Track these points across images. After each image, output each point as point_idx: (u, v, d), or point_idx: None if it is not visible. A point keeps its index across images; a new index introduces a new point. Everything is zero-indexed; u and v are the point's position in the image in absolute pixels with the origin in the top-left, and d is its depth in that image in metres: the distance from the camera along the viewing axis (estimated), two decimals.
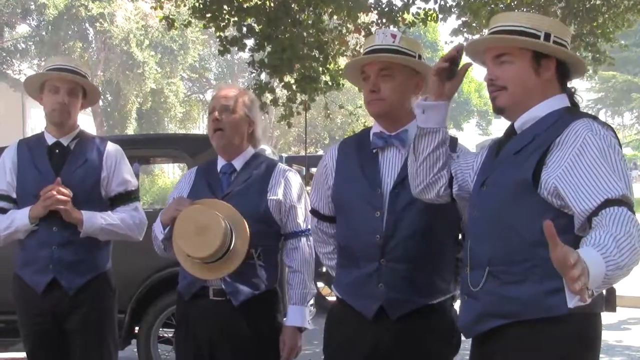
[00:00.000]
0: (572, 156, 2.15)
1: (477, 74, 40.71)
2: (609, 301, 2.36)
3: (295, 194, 3.17)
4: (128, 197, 3.56)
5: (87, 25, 27.96)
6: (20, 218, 3.35)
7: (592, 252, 1.89)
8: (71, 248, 3.36)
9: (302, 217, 3.16)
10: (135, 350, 5.68)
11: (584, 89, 46.43)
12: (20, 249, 3.46)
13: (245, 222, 2.99)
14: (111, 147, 3.57)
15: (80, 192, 3.37)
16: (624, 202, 2.04)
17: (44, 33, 27.67)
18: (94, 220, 3.37)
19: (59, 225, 3.34)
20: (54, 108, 3.40)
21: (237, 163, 3.17)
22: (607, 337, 7.54)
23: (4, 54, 27.65)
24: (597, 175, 2.09)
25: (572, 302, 1.87)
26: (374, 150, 2.79)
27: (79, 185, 3.37)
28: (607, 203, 2.03)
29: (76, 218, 3.33)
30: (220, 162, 3.21)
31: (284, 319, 3.17)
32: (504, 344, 2.27)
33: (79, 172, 3.42)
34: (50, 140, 3.47)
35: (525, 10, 9.63)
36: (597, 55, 10.20)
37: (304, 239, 3.16)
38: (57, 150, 3.45)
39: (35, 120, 27.59)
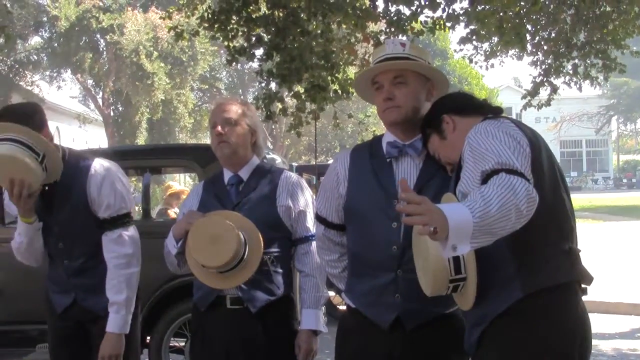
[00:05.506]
0: (466, 162, 2.35)
1: (487, 80, 40.67)
2: (571, 271, 2.39)
3: (303, 200, 3.21)
4: (113, 222, 3.30)
5: (98, 36, 28.12)
6: (18, 230, 3.31)
7: (453, 204, 2.10)
8: (87, 273, 3.32)
9: (311, 222, 3.19)
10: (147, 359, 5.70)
11: (595, 96, 46.34)
12: (48, 265, 3.44)
13: (258, 230, 3.01)
14: (95, 169, 3.30)
15: (76, 223, 3.27)
16: (499, 169, 2.18)
17: (55, 45, 27.84)
18: (117, 319, 3.28)
19: (69, 259, 3.31)
20: None
21: (244, 173, 3.21)
22: (621, 345, 7.51)
23: (17, 66, 27.83)
24: (475, 162, 2.29)
25: (445, 252, 2.01)
26: (388, 160, 2.79)
27: (71, 218, 3.27)
28: (487, 177, 2.18)
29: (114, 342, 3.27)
30: (227, 174, 3.24)
31: (299, 326, 3.19)
32: (486, 347, 2.38)
33: (67, 207, 3.27)
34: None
35: (534, 17, 9.63)
36: (608, 62, 10.17)
37: (314, 243, 3.17)
38: (46, 187, 3.23)
39: None
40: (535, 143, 2.38)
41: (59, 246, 3.32)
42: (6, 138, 3.03)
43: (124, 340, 3.31)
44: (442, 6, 8.58)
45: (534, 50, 10.72)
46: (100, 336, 3.31)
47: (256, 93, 10.29)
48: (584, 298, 2.43)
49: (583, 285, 2.42)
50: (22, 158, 3.00)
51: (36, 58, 29.21)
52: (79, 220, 3.27)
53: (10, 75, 27.14)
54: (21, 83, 27.40)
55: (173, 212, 8.75)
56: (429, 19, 8.97)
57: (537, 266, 2.31)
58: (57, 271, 3.37)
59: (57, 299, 3.37)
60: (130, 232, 3.35)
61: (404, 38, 8.44)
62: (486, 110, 2.60)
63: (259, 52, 8.50)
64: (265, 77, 8.39)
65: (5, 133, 3.05)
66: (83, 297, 3.33)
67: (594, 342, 2.45)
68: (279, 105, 8.83)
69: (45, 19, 27.98)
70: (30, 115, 3.21)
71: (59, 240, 3.31)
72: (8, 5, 13.95)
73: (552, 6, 9.42)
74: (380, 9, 8.76)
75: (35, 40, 30.34)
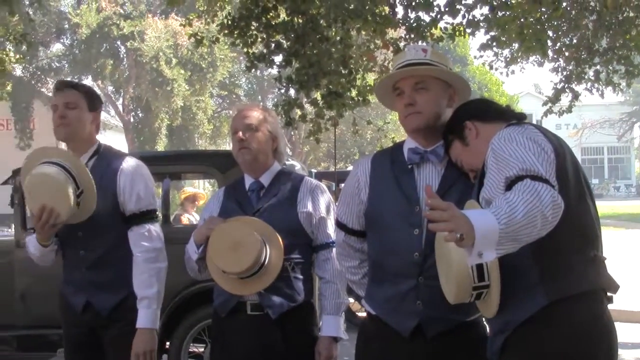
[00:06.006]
0: (489, 169, 2.33)
1: (508, 87, 40.49)
2: (597, 278, 2.35)
3: (324, 206, 3.21)
4: (142, 216, 3.33)
5: (118, 43, 28.32)
6: (32, 242, 3.34)
7: (478, 210, 2.09)
8: (101, 269, 3.31)
9: (332, 228, 3.18)
10: None
11: (617, 102, 45.98)
12: (63, 265, 3.45)
13: (279, 236, 3.01)
14: (127, 164, 3.36)
15: (100, 214, 3.24)
16: (524, 176, 2.16)
17: (77, 52, 28.07)
18: (149, 313, 3.26)
19: (86, 249, 3.30)
20: (54, 126, 3.31)
21: (265, 179, 3.21)
22: None
23: (39, 73, 28.08)
24: (499, 168, 2.27)
25: (470, 258, 2.01)
26: (410, 166, 2.77)
27: (96, 207, 3.24)
28: (511, 183, 2.17)
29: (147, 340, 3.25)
30: (248, 180, 3.25)
31: (319, 332, 3.19)
32: (509, 355, 2.36)
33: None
34: None
35: (556, 23, 9.57)
36: (631, 68, 10.08)
37: (335, 250, 3.16)
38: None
39: None
40: (560, 149, 2.36)
41: (78, 235, 3.30)
42: (55, 162, 3.13)
43: (156, 335, 3.30)
44: (462, 12, 8.56)
45: (555, 56, 10.66)
46: (110, 344, 3.31)
47: (275, 99, 10.29)
48: (609, 306, 2.39)
49: (609, 294, 2.39)
50: (65, 186, 3.08)
51: (58, 65, 29.44)
52: (103, 210, 3.27)
53: (32, 82, 27.37)
54: (43, 90, 27.60)
55: (186, 218, 8.78)
56: (448, 26, 8.94)
57: (562, 273, 2.28)
58: (71, 263, 3.36)
59: (73, 299, 3.36)
60: (157, 228, 3.38)
61: (425, 44, 8.42)
62: (509, 117, 2.58)
63: (278, 58, 8.53)
64: (284, 84, 8.41)
65: (55, 157, 3.16)
66: (93, 294, 3.31)
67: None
68: (298, 112, 8.84)
69: (66, 26, 28.25)
70: (93, 94, 3.43)
71: (79, 228, 3.29)
72: (30, 12, 14.09)
73: (573, 12, 9.36)
74: (399, 16, 8.75)
75: (56, 47, 30.63)
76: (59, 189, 3.07)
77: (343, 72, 8.36)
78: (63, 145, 3.48)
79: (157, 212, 3.43)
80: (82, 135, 3.35)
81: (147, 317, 3.26)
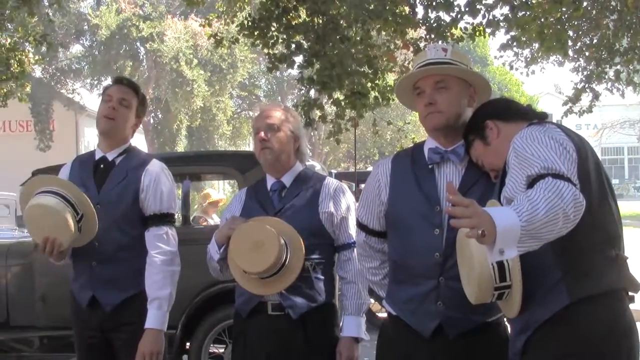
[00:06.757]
0: (511, 168, 2.33)
1: (527, 87, 40.36)
2: (619, 278, 2.33)
3: (345, 206, 3.20)
4: (161, 218, 3.37)
5: (138, 44, 28.46)
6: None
7: (500, 207, 2.09)
8: (110, 264, 3.32)
9: (353, 229, 3.17)
10: None
11: (638, 102, 45.54)
12: (73, 263, 3.48)
13: (300, 237, 3.01)
14: (153, 165, 3.44)
15: (118, 209, 3.30)
16: (546, 174, 2.16)
17: (96, 53, 28.25)
18: (159, 315, 3.27)
19: (100, 242, 3.31)
20: (103, 114, 3.39)
21: (287, 179, 3.21)
22: None
23: (59, 74, 28.29)
24: (520, 166, 2.27)
25: (492, 256, 2.01)
26: (430, 166, 2.76)
27: (116, 202, 3.31)
28: (532, 181, 2.16)
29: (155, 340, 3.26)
30: (270, 180, 3.25)
31: (340, 333, 3.18)
32: (530, 355, 2.35)
33: (116, 190, 3.35)
34: (98, 155, 3.46)
35: (576, 23, 9.51)
36: None
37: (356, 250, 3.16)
38: (101, 166, 3.41)
39: (89, 137, 28.18)
40: (582, 149, 2.35)
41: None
42: (52, 191, 3.19)
43: (164, 337, 3.31)
44: (482, 12, 8.52)
45: (576, 56, 10.62)
46: (121, 348, 3.32)
47: (295, 100, 10.32)
48: (630, 306, 2.37)
49: (630, 293, 2.38)
50: (64, 215, 3.14)
51: (77, 66, 29.65)
52: (123, 206, 3.32)
53: (52, 83, 27.58)
54: (62, 91, 27.81)
55: (205, 221, 8.78)
56: (469, 26, 8.91)
57: (584, 272, 2.27)
58: (82, 256, 3.36)
59: (80, 294, 3.38)
60: (174, 232, 3.41)
61: (445, 44, 8.39)
62: (531, 116, 2.57)
63: (299, 59, 8.53)
64: (306, 85, 8.40)
65: (51, 185, 3.22)
66: (98, 289, 3.32)
67: None
68: (318, 112, 8.84)
69: (86, 27, 28.43)
70: (146, 103, 3.59)
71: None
72: (50, 13, 14.21)
73: (594, 12, 9.31)
74: (419, 16, 8.74)
75: (76, 48, 30.83)
76: (58, 219, 3.14)
77: (367, 72, 8.35)
78: (92, 143, 3.55)
79: (175, 217, 3.45)
80: (120, 134, 3.44)
81: (157, 318, 3.27)
